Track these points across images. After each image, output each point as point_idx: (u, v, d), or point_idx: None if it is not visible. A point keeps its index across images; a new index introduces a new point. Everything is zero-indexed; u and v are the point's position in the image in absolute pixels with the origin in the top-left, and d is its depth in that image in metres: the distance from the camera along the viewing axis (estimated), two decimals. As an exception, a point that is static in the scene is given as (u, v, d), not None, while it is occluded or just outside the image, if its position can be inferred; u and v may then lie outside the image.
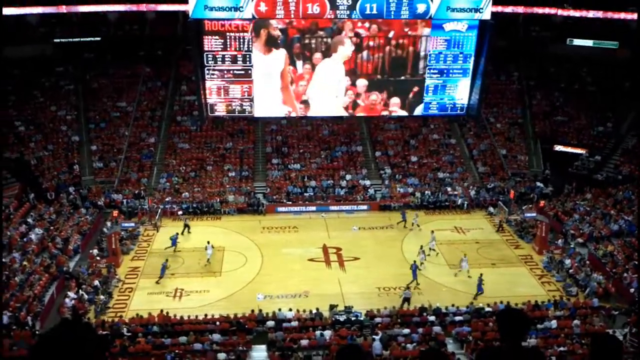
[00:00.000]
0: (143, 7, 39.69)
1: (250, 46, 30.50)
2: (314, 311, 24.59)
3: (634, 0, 38.25)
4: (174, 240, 31.38)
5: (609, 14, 39.28)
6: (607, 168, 39.60)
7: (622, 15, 39.11)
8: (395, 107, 31.94)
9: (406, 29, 30.56)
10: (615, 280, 27.45)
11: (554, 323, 23.86)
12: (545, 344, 21.97)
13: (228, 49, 30.56)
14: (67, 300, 25.61)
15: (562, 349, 21.60)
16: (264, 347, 22.88)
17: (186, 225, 33.68)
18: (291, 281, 28.10)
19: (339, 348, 3.63)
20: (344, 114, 33.27)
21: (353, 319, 24.22)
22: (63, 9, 38.44)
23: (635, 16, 38.54)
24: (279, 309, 24.75)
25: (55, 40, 42.70)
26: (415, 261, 28.76)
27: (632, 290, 26.36)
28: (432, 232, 32.16)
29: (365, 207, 37.36)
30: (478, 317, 24.40)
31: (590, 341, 3.97)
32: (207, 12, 29.48)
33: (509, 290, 27.39)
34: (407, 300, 25.96)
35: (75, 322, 3.11)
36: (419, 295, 26.79)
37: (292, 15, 29.86)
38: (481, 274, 27.39)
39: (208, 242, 30.59)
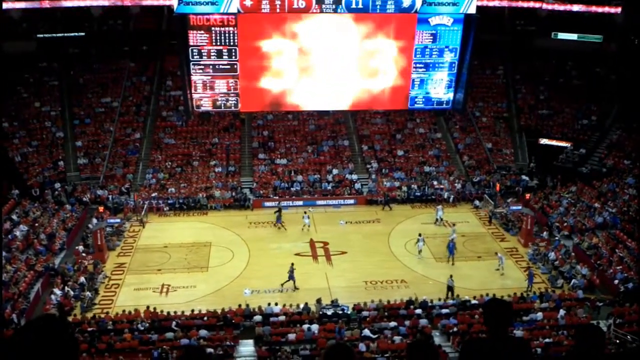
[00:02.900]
0: (127, 2, 39.31)
1: (236, 40, 30.40)
2: (301, 305, 24.62)
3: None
4: (278, 219, 33.58)
5: (593, 8, 39.48)
6: (592, 161, 39.89)
7: (606, 9, 39.36)
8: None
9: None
10: (600, 272, 27.70)
11: (539, 315, 24.05)
12: (531, 335, 22.13)
13: (214, 43, 30.45)
14: (52, 297, 25.46)
15: (547, 340, 21.78)
16: (251, 341, 22.89)
17: (279, 209, 34.16)
18: (278, 276, 28.04)
19: (328, 347, 3.64)
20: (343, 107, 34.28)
21: (340, 312, 24.28)
22: (46, 4, 38.04)
23: (619, 10, 38.83)
24: (268, 304, 24.74)
25: (38, 35, 42.28)
26: (452, 239, 30.13)
27: (616, 282, 26.61)
28: (454, 224, 32.50)
29: (352, 201, 37.42)
30: (464, 310, 24.56)
31: (575, 332, 4.03)
32: (192, 7, 29.37)
33: (495, 282, 27.61)
34: (450, 289, 26.13)
35: (50, 319, 3.08)
36: (405, 289, 26.92)
37: (278, 10, 29.78)
38: (529, 268, 28.25)
39: (305, 212, 33.54)
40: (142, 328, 23.07)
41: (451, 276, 26.60)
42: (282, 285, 27.00)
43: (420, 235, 30.56)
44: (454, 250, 29.75)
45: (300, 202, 36.73)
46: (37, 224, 31.63)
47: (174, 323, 23.29)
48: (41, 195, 35.34)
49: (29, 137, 39.23)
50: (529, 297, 25.75)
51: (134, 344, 21.97)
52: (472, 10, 30.55)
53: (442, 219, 34.25)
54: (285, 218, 34.50)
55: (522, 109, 44.82)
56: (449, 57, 31.82)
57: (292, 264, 27.48)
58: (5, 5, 36.90)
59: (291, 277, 26.89)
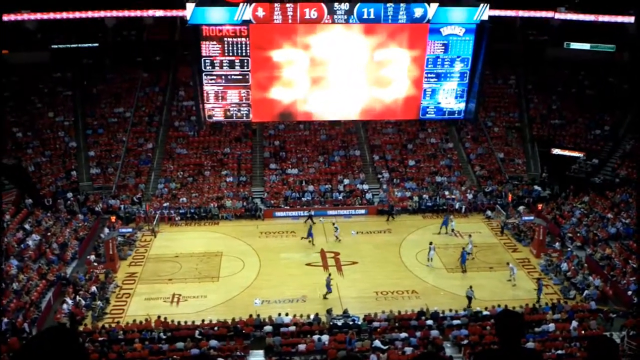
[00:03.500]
0: (141, 13, 39.57)
1: (248, 51, 30.57)
2: (312, 316, 24.57)
3: (631, 3, 38.41)
4: (310, 233, 32.99)
5: (606, 17, 39.31)
6: (605, 171, 39.59)
7: (619, 19, 39.18)
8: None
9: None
10: (613, 283, 27.44)
11: (552, 326, 23.83)
12: (543, 347, 21.94)
13: (226, 54, 30.64)
14: (64, 306, 25.56)
15: (560, 352, 21.57)
16: (261, 352, 22.83)
17: (310, 216, 34.57)
18: (289, 286, 28.07)
19: (339, 358, 3.64)
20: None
21: (351, 323, 24.18)
22: (61, 15, 38.40)
23: (632, 19, 38.63)
24: (279, 314, 24.72)
25: (53, 46, 42.73)
26: (464, 247, 30.33)
27: (629, 293, 26.35)
28: (470, 235, 32.32)
29: (363, 211, 37.36)
30: (475, 321, 24.39)
31: (587, 344, 4.01)
32: (204, 18, 29.61)
33: (507, 293, 27.43)
34: (469, 299, 26.16)
35: (60, 330, 3.11)
36: (416, 300, 26.80)
37: (290, 20, 29.96)
38: (539, 279, 28.02)
39: (333, 224, 33.39)
40: (164, 337, 23.10)
41: (470, 287, 26.54)
42: (324, 296, 27.09)
43: (431, 243, 30.49)
44: (466, 260, 29.66)
45: (312, 213, 36.64)
46: (49, 234, 31.82)
47: (197, 332, 23.32)
48: (54, 205, 35.56)
49: (42, 147, 39.55)
50: (541, 308, 25.55)
51: (145, 353, 21.99)
52: (484, 19, 30.57)
53: (454, 230, 34.12)
54: (296, 228, 34.45)
55: (534, 119, 44.61)
56: (460, 67, 31.82)
57: (330, 274, 27.75)
58: (20, 17, 37.39)
59: (329, 287, 26.94)
